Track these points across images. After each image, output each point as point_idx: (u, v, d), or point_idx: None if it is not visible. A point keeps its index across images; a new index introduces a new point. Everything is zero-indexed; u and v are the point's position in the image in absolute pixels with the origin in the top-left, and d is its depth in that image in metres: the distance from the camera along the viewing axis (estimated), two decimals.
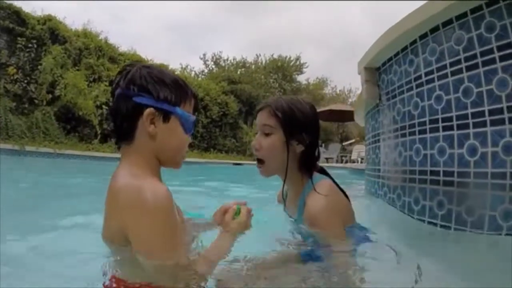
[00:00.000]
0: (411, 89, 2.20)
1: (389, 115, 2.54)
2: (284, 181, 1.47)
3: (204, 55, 28.03)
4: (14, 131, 10.17)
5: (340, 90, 32.68)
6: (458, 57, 1.81)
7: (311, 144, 1.44)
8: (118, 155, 1.13)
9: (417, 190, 2.11)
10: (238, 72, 25.35)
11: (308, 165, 1.45)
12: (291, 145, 1.42)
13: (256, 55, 28.37)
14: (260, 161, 1.46)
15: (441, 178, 1.90)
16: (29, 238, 1.72)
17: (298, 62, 27.69)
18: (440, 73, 1.93)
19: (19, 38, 11.21)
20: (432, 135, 1.99)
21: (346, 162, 15.92)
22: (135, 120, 1.06)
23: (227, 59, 27.51)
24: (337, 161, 16.83)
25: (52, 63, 11.50)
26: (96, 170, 6.05)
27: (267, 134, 1.43)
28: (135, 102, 1.05)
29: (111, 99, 1.12)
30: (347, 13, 50.82)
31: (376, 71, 2.75)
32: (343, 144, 20.73)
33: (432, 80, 1.99)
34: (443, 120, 1.90)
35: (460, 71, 1.80)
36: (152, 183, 0.97)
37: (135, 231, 0.93)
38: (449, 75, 1.87)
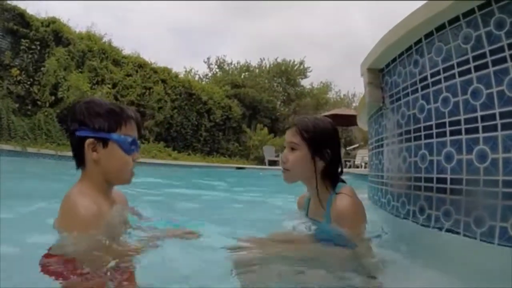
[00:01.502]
0: (416, 91, 2.09)
1: (393, 119, 2.43)
2: (318, 192, 1.64)
3: (208, 58, 27.99)
4: (17, 132, 10.18)
5: (344, 95, 32.50)
6: (466, 57, 1.70)
7: (333, 159, 1.66)
8: None
9: (422, 198, 1.99)
10: (242, 76, 25.28)
11: (331, 178, 1.66)
12: (316, 160, 1.64)
13: (260, 59, 28.12)
14: (286, 169, 1.69)
15: (448, 186, 1.79)
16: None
17: (302, 66, 27.55)
18: (447, 73, 1.82)
19: (23, 40, 11.26)
20: (438, 140, 1.88)
21: (350, 167, 15.81)
22: (82, 150, 1.32)
23: (231, 63, 27.47)
24: None
25: (56, 65, 11.54)
26: None
27: (293, 149, 1.66)
28: (76, 135, 1.32)
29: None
30: (352, 17, 50.87)
31: (379, 73, 2.64)
32: (347, 148, 20.54)
33: (439, 82, 1.88)
34: (451, 124, 1.79)
35: (468, 71, 1.69)
36: (86, 201, 1.26)
37: (67, 229, 1.23)
38: (457, 75, 1.76)
